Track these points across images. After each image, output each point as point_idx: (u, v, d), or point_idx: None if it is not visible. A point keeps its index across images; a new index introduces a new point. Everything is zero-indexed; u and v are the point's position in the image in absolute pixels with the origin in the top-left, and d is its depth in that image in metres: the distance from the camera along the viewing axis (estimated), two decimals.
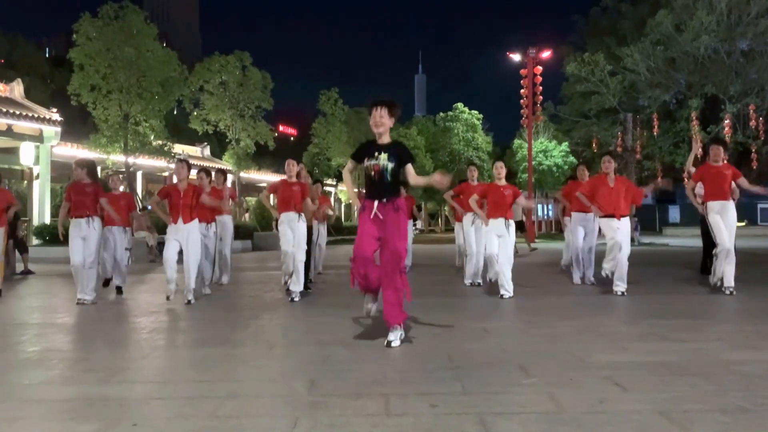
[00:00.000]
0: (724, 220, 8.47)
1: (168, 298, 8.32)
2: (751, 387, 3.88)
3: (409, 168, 5.53)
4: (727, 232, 8.45)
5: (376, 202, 5.35)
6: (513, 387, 3.95)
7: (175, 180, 8.74)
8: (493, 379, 4.15)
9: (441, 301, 8.43)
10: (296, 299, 8.51)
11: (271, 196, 9.27)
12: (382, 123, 5.45)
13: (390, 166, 5.37)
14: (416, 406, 3.58)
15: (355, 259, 5.33)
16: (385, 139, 5.52)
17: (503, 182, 8.77)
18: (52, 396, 3.98)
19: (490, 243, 8.65)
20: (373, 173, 5.40)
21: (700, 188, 9.48)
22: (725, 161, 8.85)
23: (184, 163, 8.73)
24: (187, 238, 8.38)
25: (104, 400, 3.81)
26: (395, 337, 5.29)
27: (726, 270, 8.52)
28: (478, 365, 4.55)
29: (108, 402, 3.77)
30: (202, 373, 4.51)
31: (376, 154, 5.40)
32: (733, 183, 8.65)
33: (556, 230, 53.42)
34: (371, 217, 5.35)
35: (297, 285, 8.59)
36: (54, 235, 21.43)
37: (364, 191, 5.53)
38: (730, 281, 8.52)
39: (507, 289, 8.43)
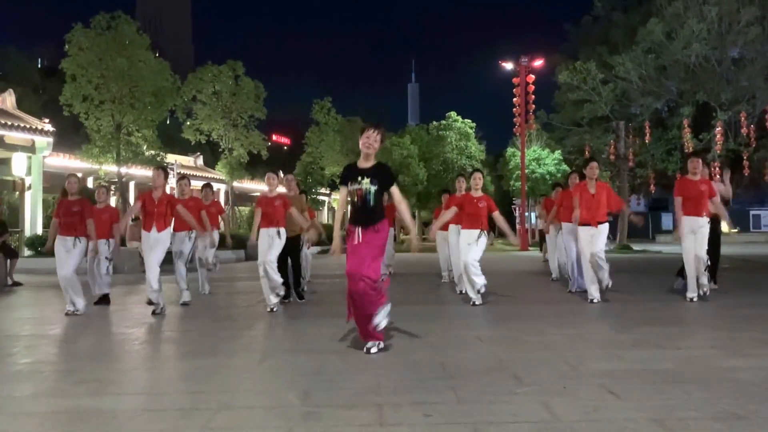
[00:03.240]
0: (696, 235, 8.54)
1: (155, 312, 8.25)
2: (744, 394, 3.88)
3: (394, 191, 5.57)
4: (693, 253, 8.54)
5: (359, 229, 5.34)
6: (507, 396, 3.95)
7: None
8: (487, 388, 4.14)
9: (434, 310, 8.42)
10: (275, 309, 8.42)
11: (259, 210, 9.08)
12: (373, 146, 5.46)
13: (373, 189, 5.37)
14: (410, 415, 3.57)
15: (354, 288, 5.26)
16: (370, 162, 5.52)
17: (479, 193, 8.78)
18: (43, 409, 3.95)
19: (464, 251, 8.72)
20: (356, 198, 5.39)
21: None
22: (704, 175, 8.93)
23: (161, 170, 8.62)
24: (154, 246, 8.27)
25: (96, 413, 3.78)
26: (373, 344, 5.35)
27: (690, 279, 8.69)
28: (472, 374, 4.54)
29: (99, 414, 3.75)
30: (195, 384, 4.49)
31: (359, 178, 5.39)
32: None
33: (537, 237, 53.55)
34: (355, 243, 5.33)
35: (272, 298, 8.48)
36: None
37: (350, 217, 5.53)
38: (694, 290, 8.64)
39: (473, 293, 8.58)
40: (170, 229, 8.54)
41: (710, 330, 6.63)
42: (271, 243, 8.52)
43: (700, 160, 8.87)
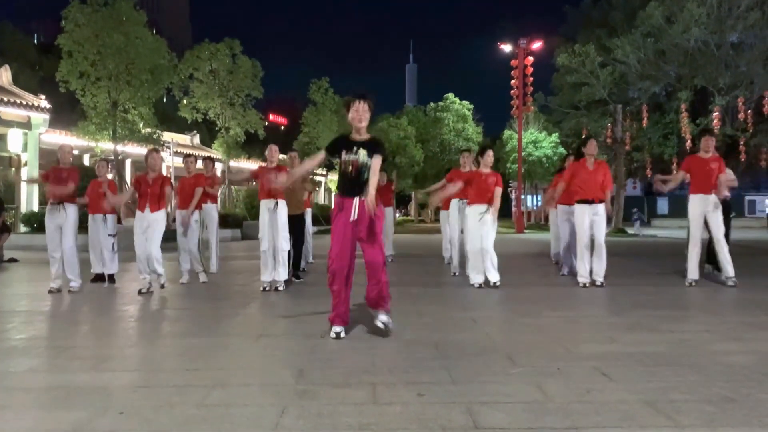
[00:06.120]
0: (710, 217, 8.55)
1: (140, 291, 8.33)
2: (736, 377, 3.91)
3: (376, 161, 5.27)
4: (701, 229, 8.62)
5: (355, 200, 5.17)
6: (500, 376, 3.97)
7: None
8: (481, 368, 4.17)
9: (429, 291, 8.44)
10: (281, 288, 8.47)
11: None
12: (365, 117, 5.27)
13: (369, 162, 5.20)
14: (404, 395, 3.58)
15: (333, 271, 5.25)
16: (363, 135, 5.34)
17: (488, 170, 8.78)
18: (38, 384, 3.96)
19: (474, 236, 8.71)
20: (350, 169, 5.20)
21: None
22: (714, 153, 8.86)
23: (158, 153, 8.72)
24: (148, 227, 8.39)
25: (91, 389, 3.80)
26: (388, 318, 5.32)
27: (692, 262, 8.81)
28: (466, 355, 4.56)
29: (95, 390, 3.76)
30: (190, 362, 4.50)
31: (355, 149, 5.22)
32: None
33: (545, 221, 53.68)
34: (351, 220, 5.18)
35: (282, 274, 8.53)
36: (42, 223, 21.33)
37: (338, 188, 5.36)
38: (695, 273, 8.80)
39: (495, 273, 8.64)
40: (164, 211, 8.56)
41: (704, 314, 6.66)
42: (272, 218, 8.45)
43: (714, 138, 8.84)
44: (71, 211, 8.66)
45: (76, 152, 26.35)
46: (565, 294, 8.22)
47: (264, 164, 8.93)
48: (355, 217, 5.16)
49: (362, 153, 5.20)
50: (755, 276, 8.54)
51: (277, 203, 8.50)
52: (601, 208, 8.67)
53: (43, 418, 3.28)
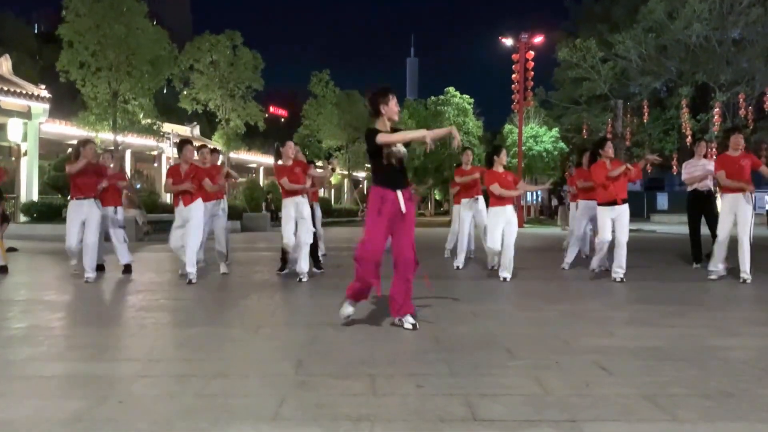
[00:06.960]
0: (738, 213, 8.45)
1: (190, 281, 8.31)
2: (734, 372, 3.92)
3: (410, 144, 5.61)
4: (730, 227, 8.53)
5: (400, 193, 5.25)
6: (499, 369, 3.97)
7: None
8: (480, 361, 4.17)
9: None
10: (304, 279, 8.52)
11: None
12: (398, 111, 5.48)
13: (406, 152, 5.41)
14: (403, 386, 3.59)
15: (366, 261, 5.18)
16: (389, 129, 5.44)
17: (501, 169, 8.82)
18: (38, 373, 3.97)
19: (496, 234, 8.84)
20: (394, 161, 5.30)
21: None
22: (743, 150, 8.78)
23: (191, 144, 8.81)
24: (187, 219, 8.40)
25: (91, 378, 3.80)
26: (414, 319, 5.31)
27: (716, 258, 8.73)
28: (466, 347, 4.57)
29: (95, 379, 3.77)
30: (190, 352, 4.51)
31: None
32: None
33: (545, 215, 53.69)
34: (396, 209, 5.23)
35: (304, 267, 8.61)
36: (41, 213, 21.36)
37: (378, 181, 5.36)
38: (717, 271, 8.74)
39: (507, 271, 8.81)
40: (199, 201, 8.52)
41: (703, 309, 6.66)
42: (299, 212, 8.57)
43: (742, 136, 8.73)
44: (99, 206, 8.77)
45: (74, 141, 26.33)
46: (564, 288, 8.23)
47: (280, 163, 8.90)
48: (404, 209, 5.26)
49: (400, 144, 5.34)
50: (754, 272, 8.53)
51: (305, 198, 8.71)
52: (623, 209, 8.64)
53: (43, 407, 3.28)
